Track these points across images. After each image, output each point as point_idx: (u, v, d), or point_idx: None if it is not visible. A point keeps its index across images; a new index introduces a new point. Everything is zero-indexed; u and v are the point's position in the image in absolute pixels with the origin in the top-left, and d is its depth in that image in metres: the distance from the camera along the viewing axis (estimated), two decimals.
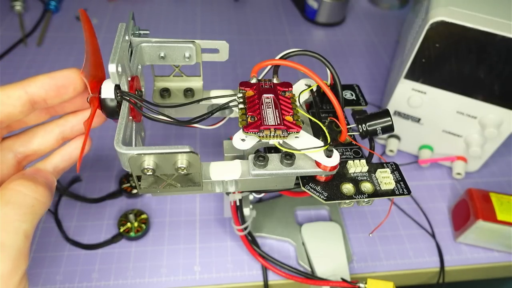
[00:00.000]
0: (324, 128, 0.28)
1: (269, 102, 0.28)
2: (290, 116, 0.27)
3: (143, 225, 0.42)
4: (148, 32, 0.31)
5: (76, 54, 0.63)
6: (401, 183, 0.28)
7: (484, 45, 0.39)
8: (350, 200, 0.27)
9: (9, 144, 0.26)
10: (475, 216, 0.41)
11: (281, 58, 0.30)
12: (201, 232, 0.43)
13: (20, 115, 0.24)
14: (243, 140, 0.26)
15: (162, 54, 0.30)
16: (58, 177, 0.28)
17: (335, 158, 0.26)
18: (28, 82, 0.24)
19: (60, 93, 0.25)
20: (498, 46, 0.38)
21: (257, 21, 0.75)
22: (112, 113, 0.26)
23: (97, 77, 0.26)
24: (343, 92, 0.35)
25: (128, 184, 0.45)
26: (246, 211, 0.37)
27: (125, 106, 0.25)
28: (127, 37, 0.28)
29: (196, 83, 0.33)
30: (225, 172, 0.27)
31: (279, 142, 0.26)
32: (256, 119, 0.26)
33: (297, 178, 0.28)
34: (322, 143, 0.26)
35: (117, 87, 0.25)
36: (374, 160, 0.36)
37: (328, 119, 0.32)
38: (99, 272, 0.39)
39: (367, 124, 0.30)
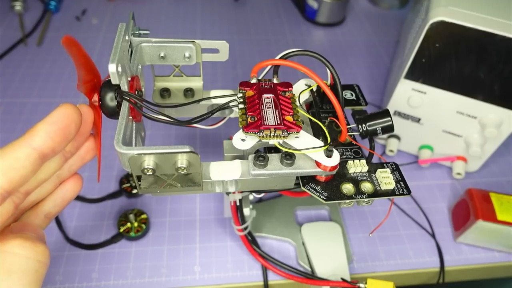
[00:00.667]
0: (324, 128, 0.28)
1: (269, 102, 0.28)
2: (290, 116, 0.27)
3: (143, 225, 0.42)
4: (148, 32, 0.31)
5: None
6: (401, 183, 0.28)
7: (484, 45, 0.39)
8: (350, 200, 0.27)
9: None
10: (475, 216, 0.41)
11: (281, 58, 0.30)
12: (201, 232, 0.43)
13: (31, 174, 0.21)
14: (243, 140, 0.26)
15: (162, 54, 0.30)
16: (49, 223, 0.26)
17: (335, 158, 0.26)
18: (31, 136, 0.21)
19: (66, 135, 0.22)
20: (498, 46, 0.38)
21: (257, 21, 0.75)
22: (112, 113, 0.26)
23: (92, 83, 0.26)
24: (343, 92, 0.35)
25: (128, 184, 0.45)
26: (246, 211, 0.37)
27: (125, 106, 0.25)
28: (127, 37, 0.28)
29: (196, 83, 0.33)
30: (225, 172, 0.27)
31: (279, 142, 0.26)
32: (256, 119, 0.26)
33: (297, 178, 0.28)
34: (322, 143, 0.26)
35: (117, 87, 0.25)
36: (374, 160, 0.36)
37: (328, 119, 0.32)
38: (99, 272, 0.39)
39: (367, 124, 0.30)
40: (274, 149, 0.29)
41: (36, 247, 0.21)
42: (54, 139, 0.21)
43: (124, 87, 0.25)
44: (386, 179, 0.28)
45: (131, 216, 0.42)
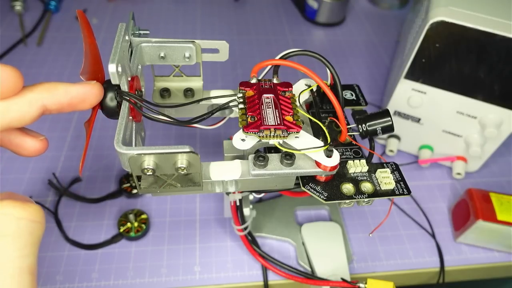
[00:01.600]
0: (324, 128, 0.28)
1: (269, 102, 0.28)
2: (290, 116, 0.27)
3: (143, 225, 0.42)
4: (148, 32, 0.31)
5: (76, 54, 0.63)
6: (401, 183, 0.28)
7: (484, 45, 0.39)
8: (350, 200, 0.27)
9: None
10: (475, 216, 0.41)
11: (281, 58, 0.30)
12: (201, 232, 0.43)
13: (29, 123, 0.22)
14: (243, 140, 0.26)
15: (162, 54, 0.30)
16: None
17: (335, 158, 0.26)
18: (48, 92, 0.22)
19: (74, 105, 0.23)
20: (498, 46, 0.38)
21: (257, 21, 0.75)
22: (112, 113, 0.26)
23: (96, 77, 0.25)
24: (343, 92, 0.35)
25: (128, 184, 0.45)
26: (246, 211, 0.37)
27: (125, 106, 0.25)
28: (127, 37, 0.28)
29: (196, 83, 0.33)
30: (225, 172, 0.27)
31: (279, 142, 0.26)
32: (256, 119, 0.26)
33: (297, 178, 0.28)
34: (322, 143, 0.26)
35: (117, 87, 0.25)
36: (374, 160, 0.36)
37: (328, 119, 0.32)
38: (99, 272, 0.39)
39: (367, 124, 0.30)
40: (274, 149, 0.29)
41: (28, 207, 0.20)
42: (63, 105, 0.23)
43: (124, 87, 0.25)
44: (386, 179, 0.28)
45: (131, 216, 0.42)
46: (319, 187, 0.28)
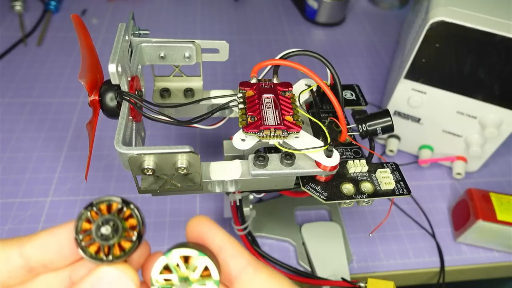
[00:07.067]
0: (324, 128, 0.28)
1: (269, 102, 0.28)
2: (290, 116, 0.27)
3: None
4: (148, 32, 0.31)
5: (76, 54, 0.63)
6: (401, 183, 0.28)
7: (484, 45, 0.39)
8: (350, 200, 0.27)
9: None
10: (475, 216, 0.41)
11: (281, 58, 0.30)
12: None
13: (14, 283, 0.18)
14: (243, 140, 0.26)
15: (162, 54, 0.30)
16: None
17: (335, 158, 0.26)
18: (24, 241, 0.18)
19: (64, 254, 0.19)
20: (498, 46, 0.38)
21: (257, 21, 0.75)
22: (112, 113, 0.26)
23: (95, 79, 0.26)
24: (343, 92, 0.35)
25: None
26: (246, 211, 0.37)
27: (125, 106, 0.25)
28: (127, 37, 0.28)
29: (196, 83, 0.33)
30: (225, 172, 0.27)
31: (279, 142, 0.26)
32: (256, 119, 0.26)
33: (297, 178, 0.28)
34: (322, 143, 0.26)
35: (117, 87, 0.25)
36: (374, 160, 0.36)
37: (328, 119, 0.32)
38: None
39: (367, 124, 0.30)
40: (274, 149, 0.29)
41: None
42: (47, 253, 0.19)
43: (124, 87, 0.25)
44: (386, 179, 0.28)
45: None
46: (319, 187, 0.28)
